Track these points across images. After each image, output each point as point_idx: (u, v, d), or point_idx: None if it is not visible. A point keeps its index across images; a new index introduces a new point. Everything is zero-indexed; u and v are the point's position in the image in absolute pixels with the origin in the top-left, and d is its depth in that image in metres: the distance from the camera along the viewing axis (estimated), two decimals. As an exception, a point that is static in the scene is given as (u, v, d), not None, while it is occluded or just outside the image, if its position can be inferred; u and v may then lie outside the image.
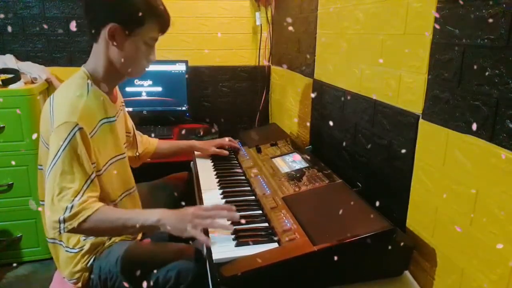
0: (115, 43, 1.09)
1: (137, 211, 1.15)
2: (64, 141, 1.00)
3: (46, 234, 1.23)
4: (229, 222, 1.05)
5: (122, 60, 1.11)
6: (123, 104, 1.36)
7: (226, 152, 1.64)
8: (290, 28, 2.06)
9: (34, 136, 1.75)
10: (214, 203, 1.20)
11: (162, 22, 1.13)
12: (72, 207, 0.98)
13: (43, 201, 1.18)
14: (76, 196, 0.99)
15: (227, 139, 1.71)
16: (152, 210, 1.06)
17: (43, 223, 1.22)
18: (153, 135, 1.62)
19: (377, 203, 1.06)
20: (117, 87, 1.27)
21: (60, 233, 0.99)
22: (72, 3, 2.24)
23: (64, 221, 0.97)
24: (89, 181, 1.03)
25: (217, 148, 1.65)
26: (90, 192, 1.03)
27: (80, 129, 1.02)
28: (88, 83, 1.12)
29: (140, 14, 1.06)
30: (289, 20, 2.09)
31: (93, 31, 1.10)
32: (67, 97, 1.08)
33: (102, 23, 1.07)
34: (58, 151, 1.00)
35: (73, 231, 1.00)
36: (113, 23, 1.06)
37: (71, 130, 1.01)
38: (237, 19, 2.49)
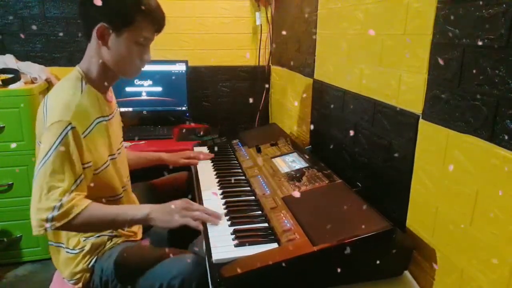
0: (104, 43, 1.09)
1: (126, 206, 1.15)
2: (56, 140, 1.00)
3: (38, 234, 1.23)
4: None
5: (113, 60, 1.11)
6: (117, 105, 1.36)
7: (196, 161, 1.59)
8: (290, 28, 2.06)
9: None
10: (214, 204, 1.22)
11: (154, 21, 1.11)
12: (60, 206, 0.98)
13: None
14: (64, 196, 0.99)
15: (195, 150, 1.70)
16: (141, 205, 1.12)
17: None
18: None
19: (377, 203, 1.06)
20: (111, 88, 1.27)
21: (45, 231, 0.98)
22: (72, 3, 2.24)
23: (53, 219, 0.97)
24: (78, 181, 1.03)
25: (186, 159, 1.62)
26: (78, 191, 1.03)
27: (73, 128, 1.02)
28: (82, 82, 1.12)
29: (128, 13, 1.06)
30: (289, 20, 2.09)
31: (86, 31, 1.10)
32: (60, 96, 1.08)
33: (92, 23, 1.07)
34: (50, 149, 0.99)
35: (62, 228, 1.00)
36: (102, 23, 1.06)
37: (63, 129, 1.00)
38: (237, 19, 2.49)
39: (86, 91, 1.12)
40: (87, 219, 1.01)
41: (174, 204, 1.09)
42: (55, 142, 0.99)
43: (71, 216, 0.99)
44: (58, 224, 0.98)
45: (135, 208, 1.11)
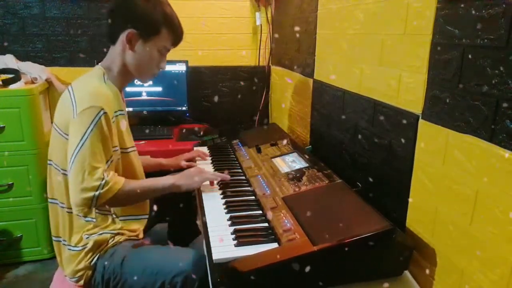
0: (131, 47, 1.18)
1: (154, 179, 1.24)
2: (91, 124, 1.06)
3: (53, 231, 1.25)
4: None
5: (135, 63, 1.21)
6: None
7: (195, 165, 1.60)
8: (290, 28, 2.06)
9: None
10: (214, 204, 1.23)
11: (176, 34, 1.23)
12: (105, 183, 1.06)
13: (52, 198, 1.22)
14: (104, 173, 1.07)
15: (195, 149, 1.72)
16: (165, 177, 1.26)
17: (50, 220, 1.24)
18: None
19: (377, 203, 1.06)
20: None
21: (89, 208, 1.09)
22: (72, 3, 2.24)
23: (99, 196, 1.06)
24: (109, 162, 1.11)
25: (187, 161, 1.63)
26: (112, 170, 1.13)
27: (105, 113, 1.08)
28: (104, 77, 1.20)
29: (156, 24, 1.17)
30: (289, 20, 2.09)
31: (112, 34, 1.19)
32: (88, 85, 1.15)
33: (122, 27, 1.17)
34: (85, 133, 1.06)
35: (107, 203, 1.09)
36: (132, 29, 1.16)
37: (96, 114, 1.07)
38: (237, 19, 2.49)
39: (109, 84, 1.20)
40: (127, 192, 1.12)
41: (191, 170, 1.31)
42: (89, 126, 1.06)
43: (115, 192, 1.08)
44: (102, 200, 1.07)
45: (161, 179, 1.23)
